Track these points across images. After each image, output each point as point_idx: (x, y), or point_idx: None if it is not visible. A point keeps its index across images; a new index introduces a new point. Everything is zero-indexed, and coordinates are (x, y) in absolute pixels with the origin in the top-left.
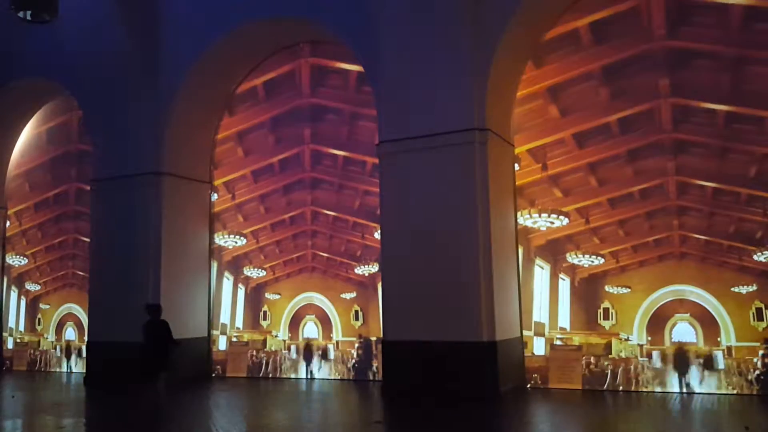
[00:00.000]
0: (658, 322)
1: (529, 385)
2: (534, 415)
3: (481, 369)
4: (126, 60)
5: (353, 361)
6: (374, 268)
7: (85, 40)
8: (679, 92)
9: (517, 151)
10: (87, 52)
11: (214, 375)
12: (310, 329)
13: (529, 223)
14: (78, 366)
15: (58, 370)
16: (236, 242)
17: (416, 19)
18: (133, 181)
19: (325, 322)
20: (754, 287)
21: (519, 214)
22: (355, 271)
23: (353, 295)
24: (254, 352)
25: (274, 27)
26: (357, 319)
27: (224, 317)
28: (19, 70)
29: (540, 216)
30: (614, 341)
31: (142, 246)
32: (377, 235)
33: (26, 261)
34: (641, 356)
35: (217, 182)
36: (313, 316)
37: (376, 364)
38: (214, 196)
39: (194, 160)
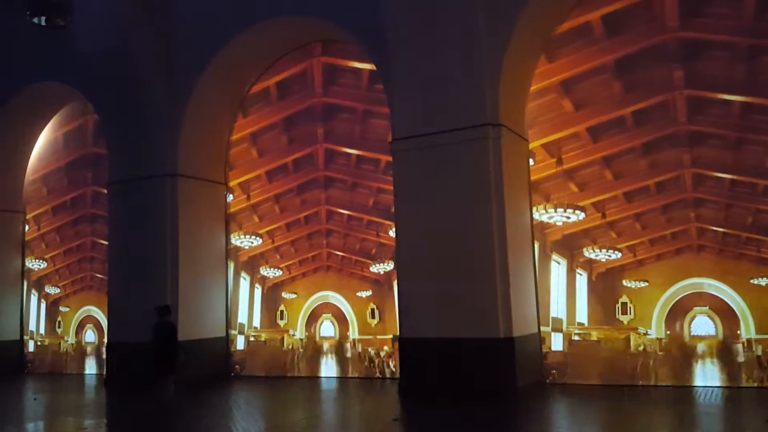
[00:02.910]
0: (676, 316)
1: (547, 381)
2: (552, 410)
3: (499, 365)
4: (140, 63)
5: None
6: (389, 266)
7: (99, 44)
8: (693, 84)
9: (531, 145)
10: (102, 56)
11: (232, 374)
12: (327, 328)
13: (544, 218)
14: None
15: (79, 372)
16: (252, 242)
17: (427, 16)
18: (148, 183)
19: (341, 320)
20: None
21: (534, 209)
22: (371, 269)
23: (369, 293)
24: (272, 351)
25: (285, 27)
26: (373, 317)
27: (242, 317)
28: (35, 75)
29: (556, 211)
30: (633, 336)
31: (159, 247)
32: (392, 233)
33: (45, 264)
34: (660, 350)
35: (232, 183)
36: (330, 315)
37: (394, 362)
38: (230, 197)
39: (209, 161)
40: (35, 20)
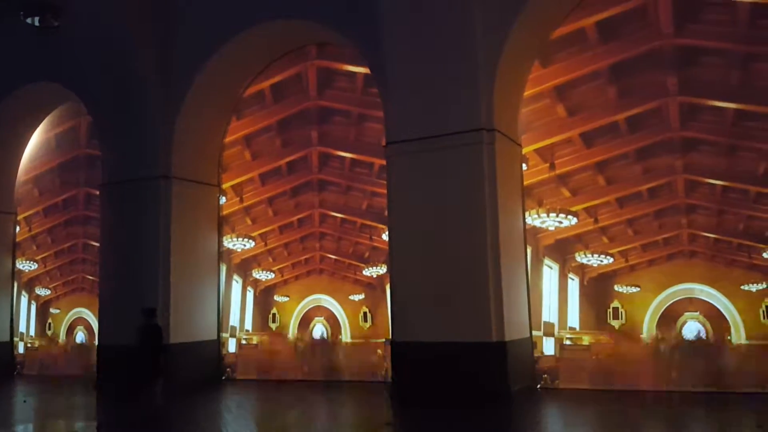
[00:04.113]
0: (668, 321)
1: (539, 385)
2: (544, 415)
3: (491, 369)
4: (134, 65)
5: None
6: (382, 269)
7: (93, 45)
8: (687, 90)
9: (524, 150)
10: (95, 57)
11: (224, 378)
12: (319, 331)
13: (537, 223)
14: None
15: (69, 374)
16: (245, 245)
17: (422, 20)
18: (141, 185)
19: (333, 323)
20: (764, 285)
21: (527, 214)
22: (364, 272)
23: (362, 296)
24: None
25: (280, 30)
26: (366, 320)
27: (234, 320)
28: (27, 75)
29: (548, 216)
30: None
31: (151, 249)
32: (385, 237)
33: (36, 266)
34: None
35: (225, 185)
36: (322, 318)
37: (386, 365)
38: (223, 200)
39: (202, 163)
40: (28, 20)
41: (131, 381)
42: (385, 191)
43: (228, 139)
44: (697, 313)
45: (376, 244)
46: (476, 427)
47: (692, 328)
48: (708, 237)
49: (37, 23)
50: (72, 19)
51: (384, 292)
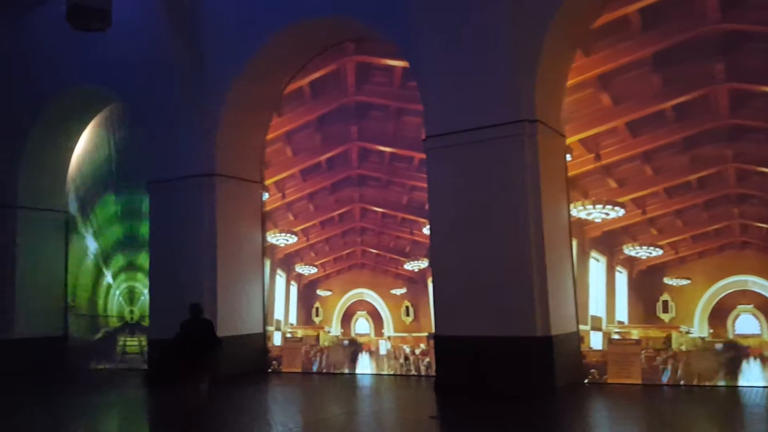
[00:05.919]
0: (719, 314)
1: (586, 381)
2: (591, 410)
3: (537, 364)
4: (176, 65)
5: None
6: (424, 263)
7: (135, 47)
8: (734, 76)
9: (568, 141)
10: (137, 58)
11: (270, 370)
12: (362, 325)
13: (583, 215)
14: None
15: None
16: (287, 240)
17: (460, 11)
18: (187, 183)
19: (376, 317)
20: None
21: (572, 205)
22: (405, 266)
23: (403, 290)
24: (308, 348)
25: (319, 26)
26: (408, 314)
27: (278, 314)
28: (74, 78)
29: (594, 207)
30: (674, 334)
31: (198, 246)
32: (426, 231)
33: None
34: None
35: (268, 182)
36: (365, 312)
37: (428, 359)
38: (265, 196)
39: (245, 160)
40: (74, 25)
41: (177, 376)
42: (425, 185)
43: (270, 136)
44: (751, 305)
45: (416, 238)
46: (521, 422)
47: (745, 321)
48: (761, 227)
49: (82, 27)
50: (116, 23)
51: (426, 286)
